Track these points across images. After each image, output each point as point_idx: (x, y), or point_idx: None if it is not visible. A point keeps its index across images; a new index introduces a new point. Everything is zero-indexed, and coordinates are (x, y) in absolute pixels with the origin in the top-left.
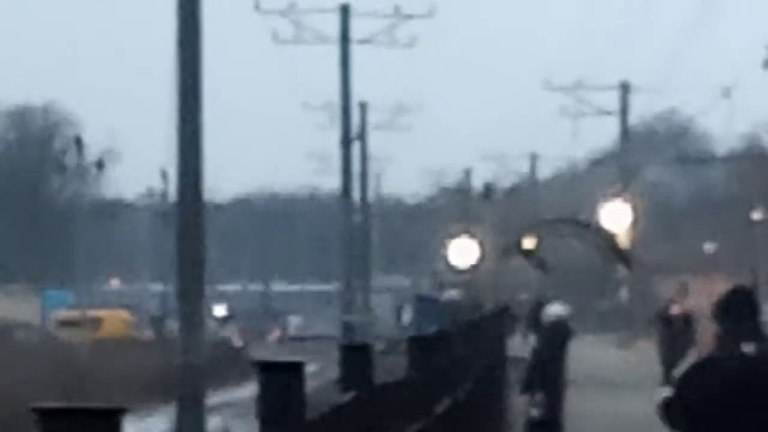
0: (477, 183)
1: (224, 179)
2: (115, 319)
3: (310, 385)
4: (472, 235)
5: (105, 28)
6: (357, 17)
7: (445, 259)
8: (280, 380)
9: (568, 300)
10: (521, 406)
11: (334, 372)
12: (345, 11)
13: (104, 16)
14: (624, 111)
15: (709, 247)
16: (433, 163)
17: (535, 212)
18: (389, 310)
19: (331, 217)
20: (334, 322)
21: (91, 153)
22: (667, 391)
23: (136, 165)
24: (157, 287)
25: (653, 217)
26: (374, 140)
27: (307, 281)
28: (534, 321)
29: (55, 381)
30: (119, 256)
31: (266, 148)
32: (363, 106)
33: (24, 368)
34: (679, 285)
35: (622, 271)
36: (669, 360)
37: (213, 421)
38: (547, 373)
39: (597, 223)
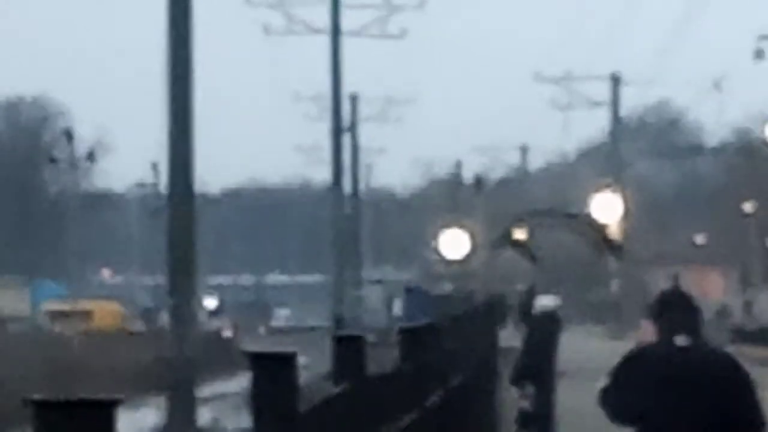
0: (468, 174)
1: (215, 171)
2: (106, 311)
3: (302, 376)
4: (463, 227)
5: (96, 21)
6: (348, 9)
7: (436, 250)
8: (272, 371)
9: (558, 291)
10: (513, 398)
11: (325, 364)
12: (335, 3)
13: (95, 9)
14: (615, 103)
15: (699, 238)
16: (424, 154)
17: (525, 204)
18: (380, 302)
19: (321, 209)
20: (324, 314)
21: (82, 145)
22: (603, 382)
23: (127, 157)
24: (149, 279)
25: (644, 209)
26: (365, 132)
27: (297, 273)
28: (523, 313)
29: (46, 372)
30: (110, 248)
31: (257, 140)
32: (354, 98)
33: (15, 360)
34: (671, 276)
35: (612, 262)
36: None
37: (204, 413)
38: (538, 364)
39: (588, 214)
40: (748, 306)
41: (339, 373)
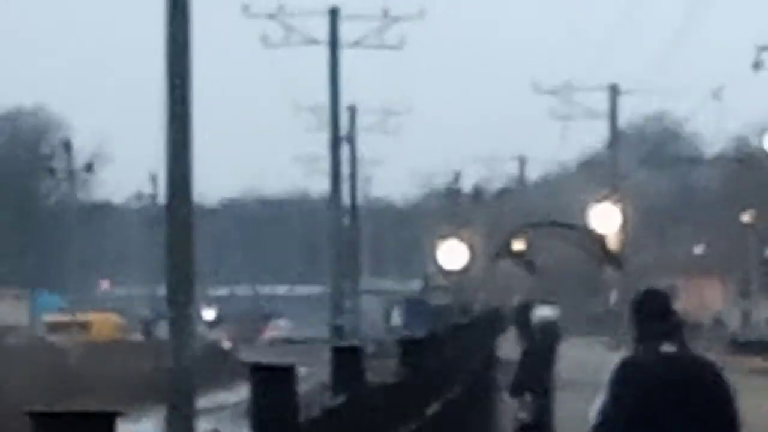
0: (466, 185)
1: (214, 182)
2: (105, 322)
3: (301, 387)
4: (462, 238)
5: (95, 33)
6: (346, 20)
7: (434, 261)
8: (272, 383)
9: (557, 302)
10: (511, 409)
11: (324, 375)
12: (334, 14)
13: (94, 21)
14: (613, 113)
15: (698, 248)
16: (422, 165)
17: (524, 214)
18: (378, 313)
19: (320, 220)
20: (323, 325)
21: (81, 156)
22: (597, 404)
23: (125, 168)
24: (147, 290)
25: (642, 219)
26: (364, 143)
27: (296, 283)
28: (522, 324)
29: (45, 384)
30: (109, 259)
31: (255, 151)
32: (352, 109)
33: (15, 371)
34: (669, 287)
35: (611, 273)
36: None
37: (203, 424)
38: (537, 375)
39: (586, 225)
40: (746, 316)
41: (338, 383)
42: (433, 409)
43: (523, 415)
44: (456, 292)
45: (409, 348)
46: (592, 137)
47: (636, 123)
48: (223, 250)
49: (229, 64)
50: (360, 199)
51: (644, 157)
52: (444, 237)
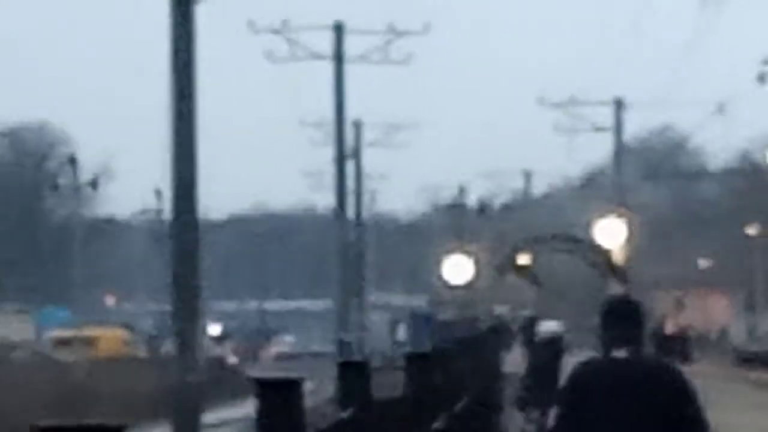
0: (472, 200)
1: (219, 197)
2: (111, 338)
3: (308, 402)
4: (467, 252)
5: (99, 48)
6: (351, 35)
7: (440, 276)
8: (279, 397)
9: (563, 317)
10: (517, 423)
11: (330, 389)
12: (339, 29)
13: (99, 36)
14: (618, 127)
15: (704, 262)
16: (427, 180)
17: (529, 228)
18: (384, 327)
19: (326, 235)
20: (328, 340)
21: (86, 172)
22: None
23: (131, 184)
24: (153, 305)
25: (648, 233)
26: (369, 157)
27: (302, 298)
28: (527, 338)
29: (51, 400)
30: (115, 274)
31: (261, 166)
32: (357, 124)
33: (21, 387)
34: (675, 301)
35: (616, 287)
36: None
37: None
38: (542, 389)
39: (591, 239)
40: (752, 329)
41: (344, 398)
42: (439, 422)
43: (529, 429)
44: (462, 306)
45: (415, 362)
46: (598, 151)
47: (641, 137)
48: (230, 264)
49: (234, 79)
50: (366, 214)
51: (649, 170)
52: (449, 252)
